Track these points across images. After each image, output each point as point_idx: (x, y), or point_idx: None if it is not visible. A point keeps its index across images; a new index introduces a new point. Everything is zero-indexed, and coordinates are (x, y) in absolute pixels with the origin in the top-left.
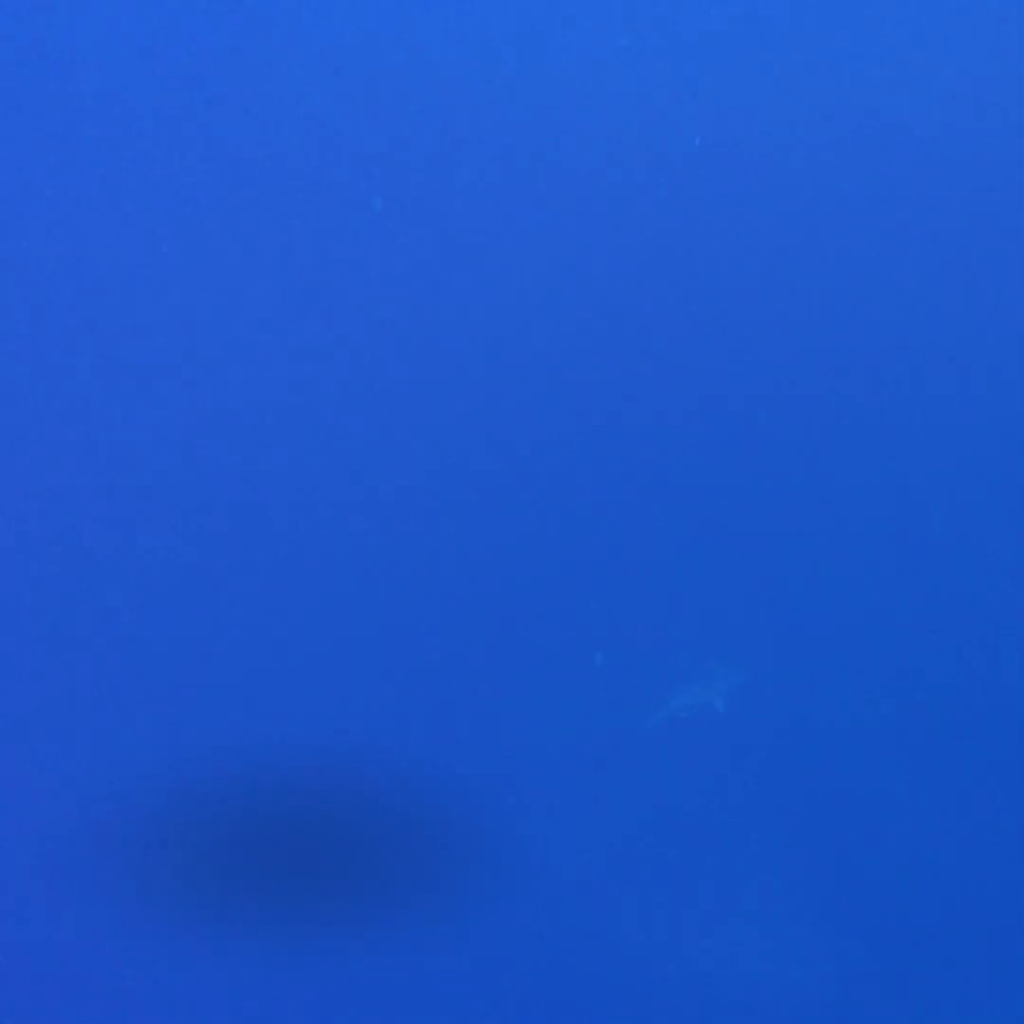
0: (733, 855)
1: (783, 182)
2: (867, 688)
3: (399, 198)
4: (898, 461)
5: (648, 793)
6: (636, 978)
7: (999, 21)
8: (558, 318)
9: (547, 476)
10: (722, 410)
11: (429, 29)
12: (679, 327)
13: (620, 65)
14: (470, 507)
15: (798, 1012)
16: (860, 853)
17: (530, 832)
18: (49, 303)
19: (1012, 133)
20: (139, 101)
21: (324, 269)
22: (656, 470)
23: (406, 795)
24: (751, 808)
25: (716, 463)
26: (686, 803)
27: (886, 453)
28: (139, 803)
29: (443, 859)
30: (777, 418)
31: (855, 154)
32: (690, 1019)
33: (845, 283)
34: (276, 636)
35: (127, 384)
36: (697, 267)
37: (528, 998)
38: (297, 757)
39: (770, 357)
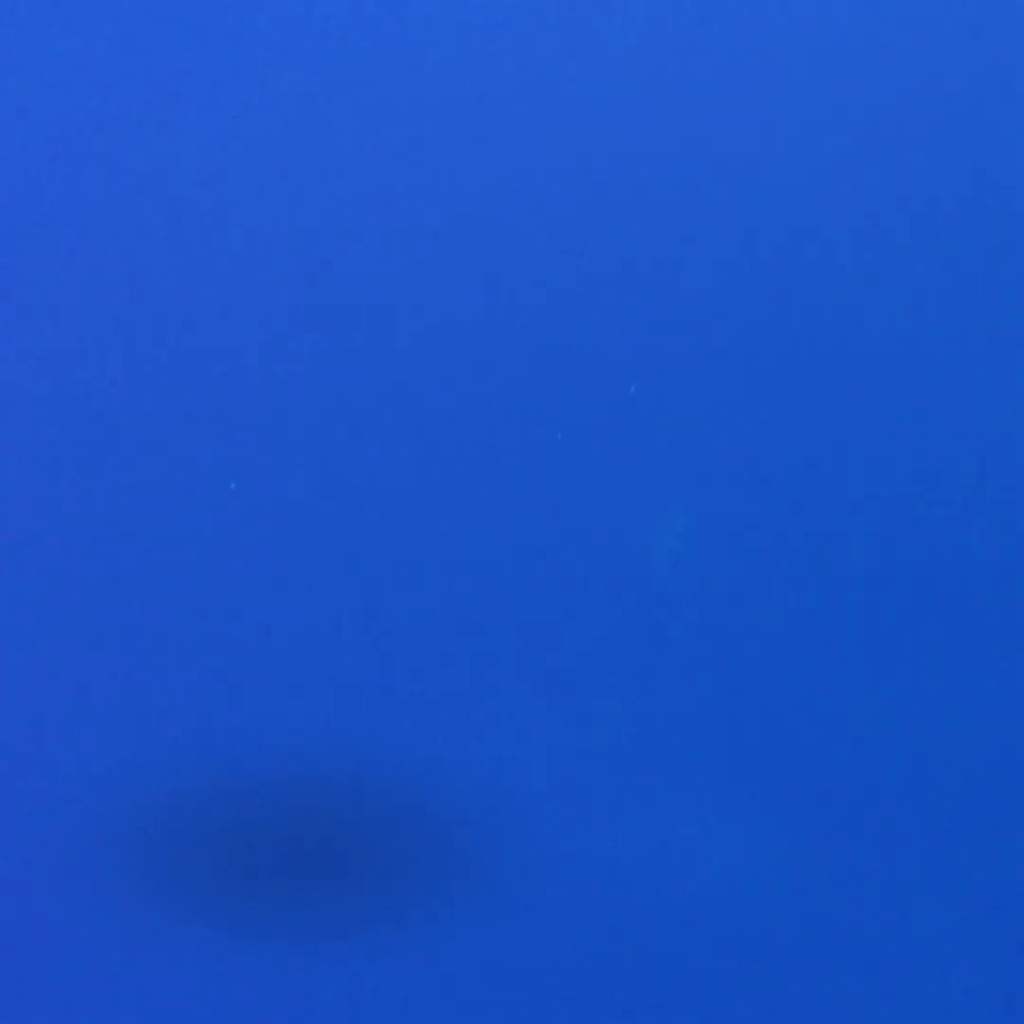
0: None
1: (782, 182)
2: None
3: (395, 198)
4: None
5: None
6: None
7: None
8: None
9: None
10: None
11: (425, 31)
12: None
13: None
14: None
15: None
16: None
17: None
18: (47, 302)
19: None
20: (130, 95)
21: (320, 271)
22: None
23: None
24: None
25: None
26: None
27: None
28: (134, 803)
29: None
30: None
31: (854, 156)
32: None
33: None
34: (274, 632)
35: (123, 378)
36: (698, 259)
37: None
38: (297, 754)
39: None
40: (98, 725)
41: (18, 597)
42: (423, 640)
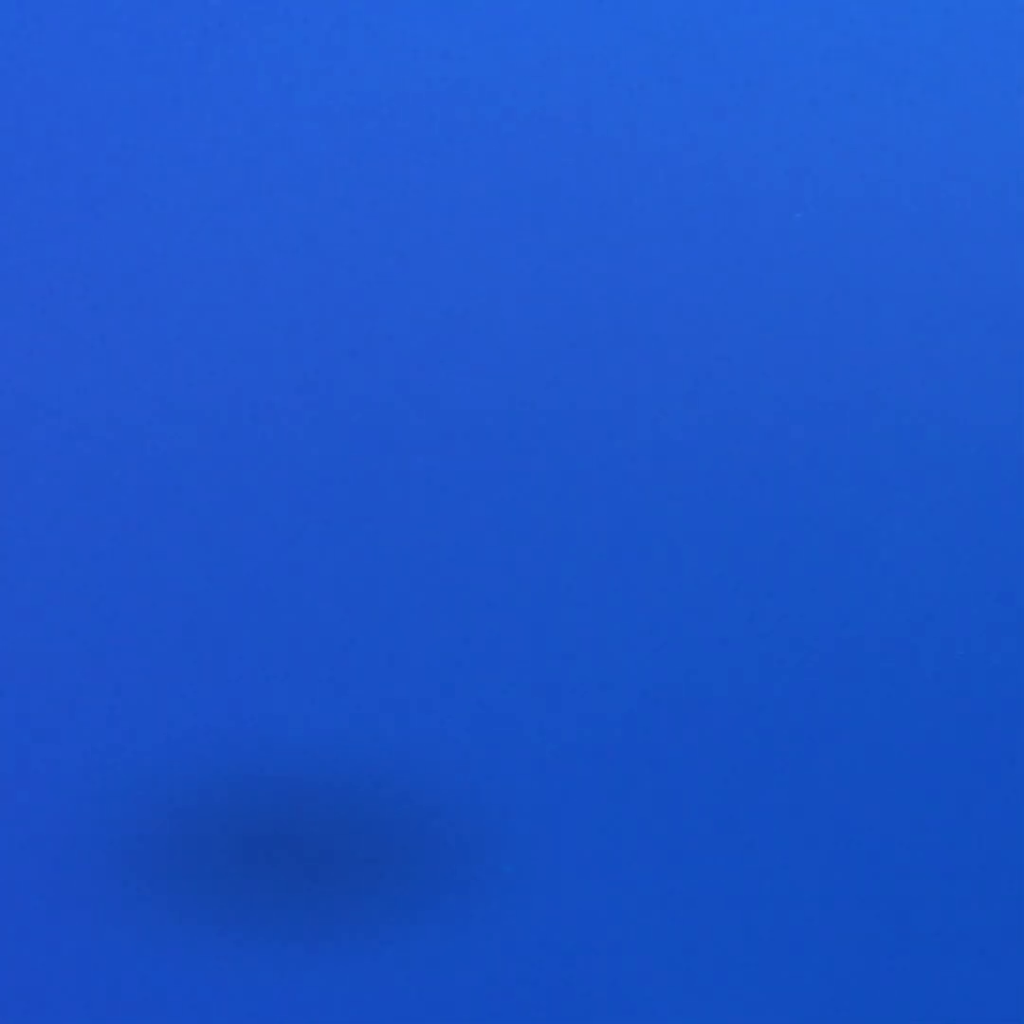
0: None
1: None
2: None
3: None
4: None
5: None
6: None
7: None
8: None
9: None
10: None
11: (425, 31)
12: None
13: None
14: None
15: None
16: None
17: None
18: (48, 300)
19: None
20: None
21: (320, 271)
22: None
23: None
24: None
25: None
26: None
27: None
28: (129, 804)
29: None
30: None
31: (857, 164)
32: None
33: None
34: (269, 630)
35: (121, 376)
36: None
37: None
38: (295, 754)
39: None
40: (97, 724)
41: (17, 597)
42: (415, 642)
